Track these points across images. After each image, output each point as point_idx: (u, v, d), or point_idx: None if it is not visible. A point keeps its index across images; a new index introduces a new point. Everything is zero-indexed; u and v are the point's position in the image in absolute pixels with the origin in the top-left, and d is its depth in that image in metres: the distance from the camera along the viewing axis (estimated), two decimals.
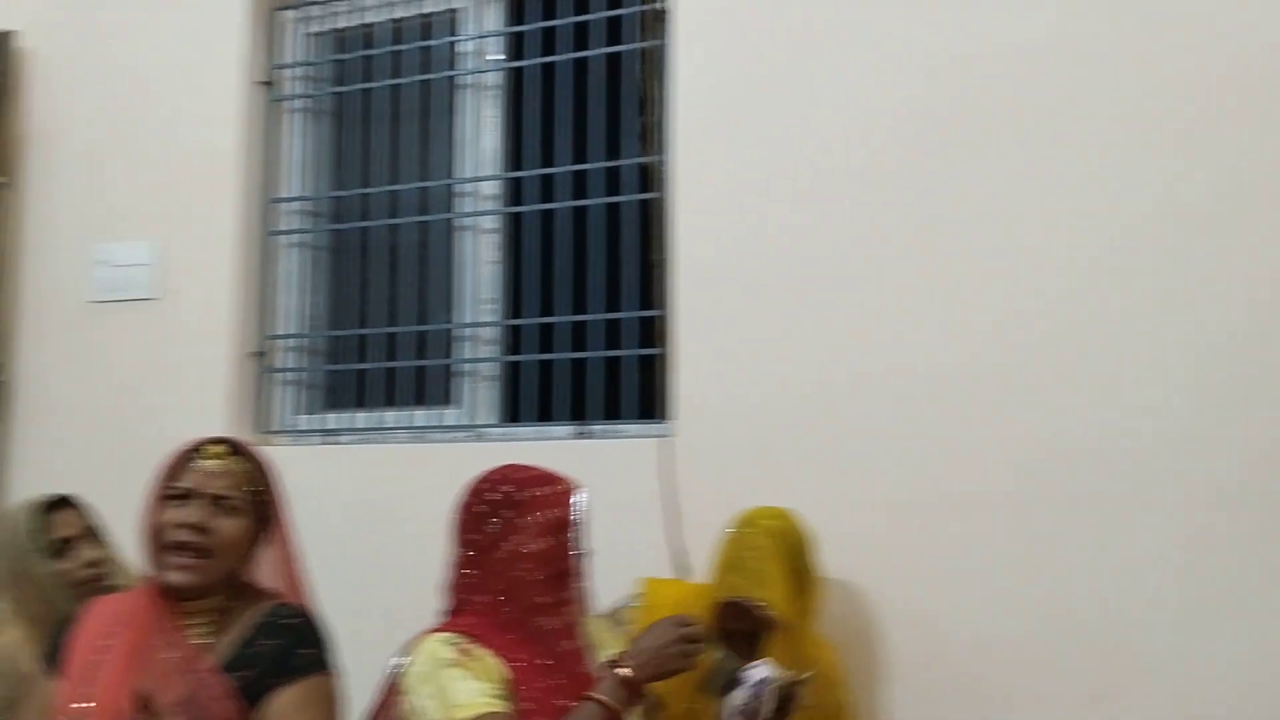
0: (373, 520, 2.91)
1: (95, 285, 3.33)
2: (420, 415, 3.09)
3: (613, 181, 2.97)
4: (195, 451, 1.83)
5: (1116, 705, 2.31)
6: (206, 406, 3.15)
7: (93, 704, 1.69)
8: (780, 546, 2.24)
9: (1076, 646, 2.35)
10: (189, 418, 3.15)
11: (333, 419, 3.19)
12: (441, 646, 1.75)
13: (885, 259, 2.60)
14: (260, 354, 3.24)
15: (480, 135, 3.13)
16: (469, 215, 3.12)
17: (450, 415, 3.08)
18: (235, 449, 1.85)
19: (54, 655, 1.82)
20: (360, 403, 3.17)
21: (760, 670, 1.54)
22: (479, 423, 3.05)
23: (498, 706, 1.68)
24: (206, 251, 3.23)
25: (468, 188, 3.14)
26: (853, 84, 2.65)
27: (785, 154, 2.70)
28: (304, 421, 3.22)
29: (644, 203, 2.91)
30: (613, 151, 2.97)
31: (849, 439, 2.57)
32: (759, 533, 2.26)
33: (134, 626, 1.76)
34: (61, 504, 2.22)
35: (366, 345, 3.18)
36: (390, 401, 3.14)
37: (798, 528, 2.30)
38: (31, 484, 3.32)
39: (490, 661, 1.73)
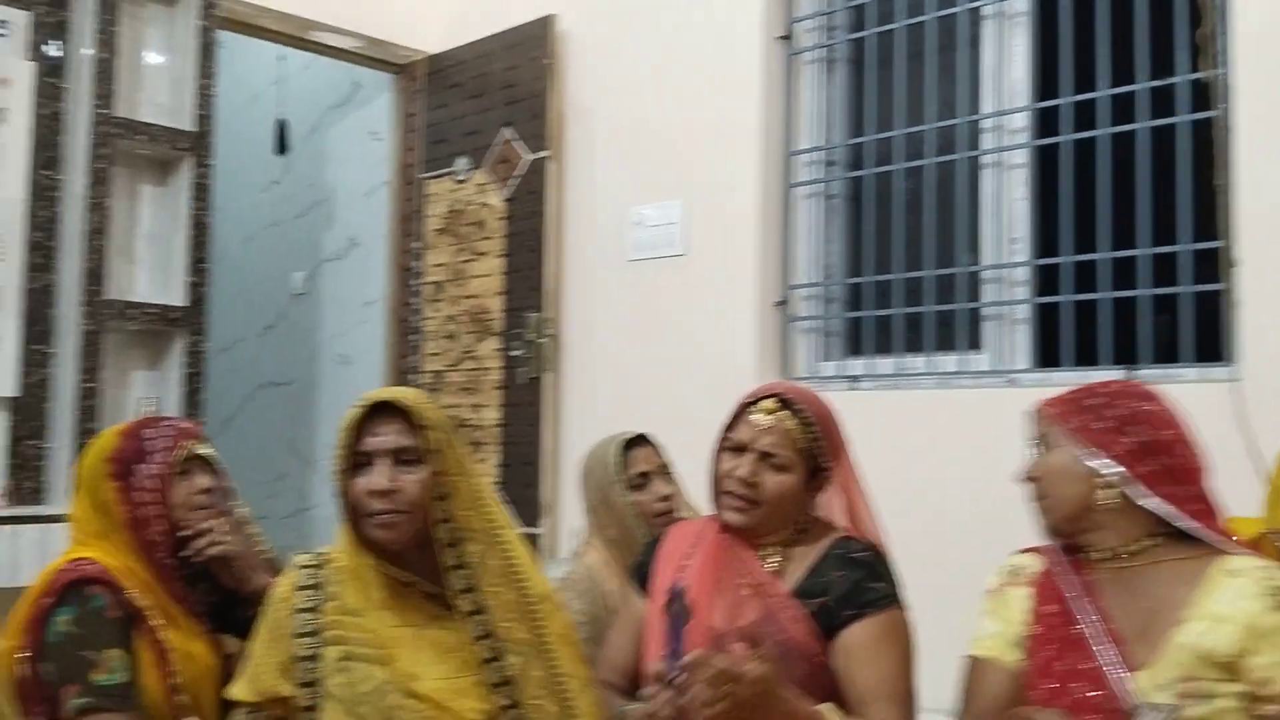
0: (900, 465, 2.90)
1: (631, 245, 3.61)
2: (947, 360, 3.03)
3: (1161, 102, 2.71)
4: (751, 405, 1.90)
5: None
6: (734, 355, 3.31)
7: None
8: None
9: None
10: (718, 366, 3.34)
11: (856, 365, 3.22)
12: (1000, 570, 1.71)
13: None
14: (783, 303, 3.33)
15: (1007, 66, 2.99)
16: (996, 151, 3.00)
17: (979, 360, 2.99)
18: (786, 403, 1.87)
19: (641, 576, 1.99)
20: (883, 349, 3.16)
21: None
22: (1010, 368, 2.93)
23: (1002, 656, 1.62)
24: (729, 207, 3.38)
25: (993, 123, 3.02)
26: None
27: None
28: (827, 368, 3.28)
29: (1199, 123, 2.63)
30: (1161, 69, 2.71)
31: None
32: None
33: (709, 551, 1.88)
34: (640, 441, 2.40)
35: (889, 291, 3.16)
36: (914, 347, 3.10)
37: None
38: (580, 426, 3.70)
39: (1016, 606, 1.64)
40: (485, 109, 4.00)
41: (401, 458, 1.64)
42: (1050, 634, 1.59)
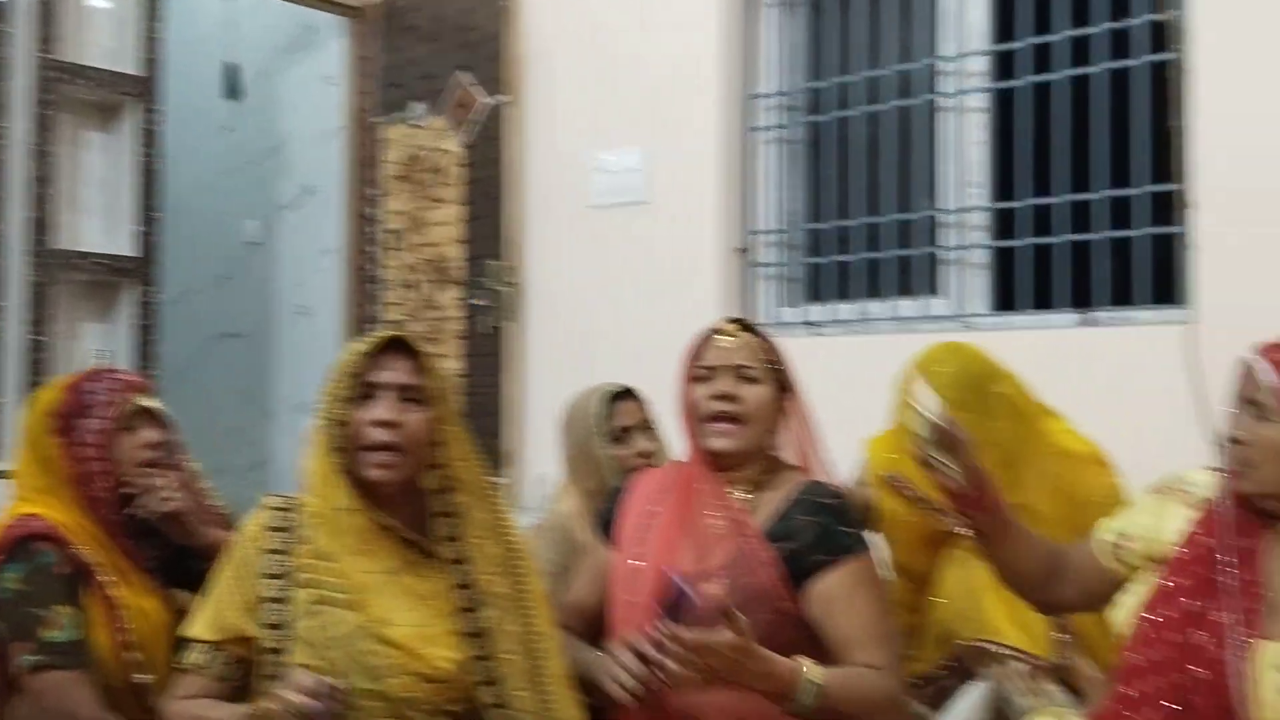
0: (860, 410, 2.90)
1: (593, 191, 3.56)
2: (906, 305, 3.04)
3: (1118, 45, 2.70)
4: (714, 332, 1.92)
5: None
6: (695, 301, 3.29)
7: (643, 564, 1.82)
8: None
9: None
10: (678, 312, 3.31)
11: (816, 311, 3.22)
12: (1173, 476, 1.67)
13: None
14: (744, 249, 3.32)
15: (965, 8, 2.96)
16: (953, 95, 2.98)
17: (937, 305, 3.00)
18: (746, 326, 1.93)
19: (605, 523, 1.98)
20: (844, 294, 3.16)
21: None
22: (968, 312, 2.94)
23: (1112, 549, 1.64)
24: (691, 152, 3.35)
25: (951, 67, 2.99)
26: None
27: None
28: (788, 314, 3.27)
29: (1156, 66, 2.62)
30: (1119, 11, 2.69)
31: None
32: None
33: (679, 493, 1.87)
34: (626, 395, 2.36)
35: (849, 236, 3.15)
36: (874, 292, 3.10)
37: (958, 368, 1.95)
38: (543, 375, 3.68)
39: (1172, 524, 1.58)
40: (441, 52, 3.92)
41: (406, 396, 1.64)
42: (1191, 565, 1.51)
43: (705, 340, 1.92)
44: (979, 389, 1.95)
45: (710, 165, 3.31)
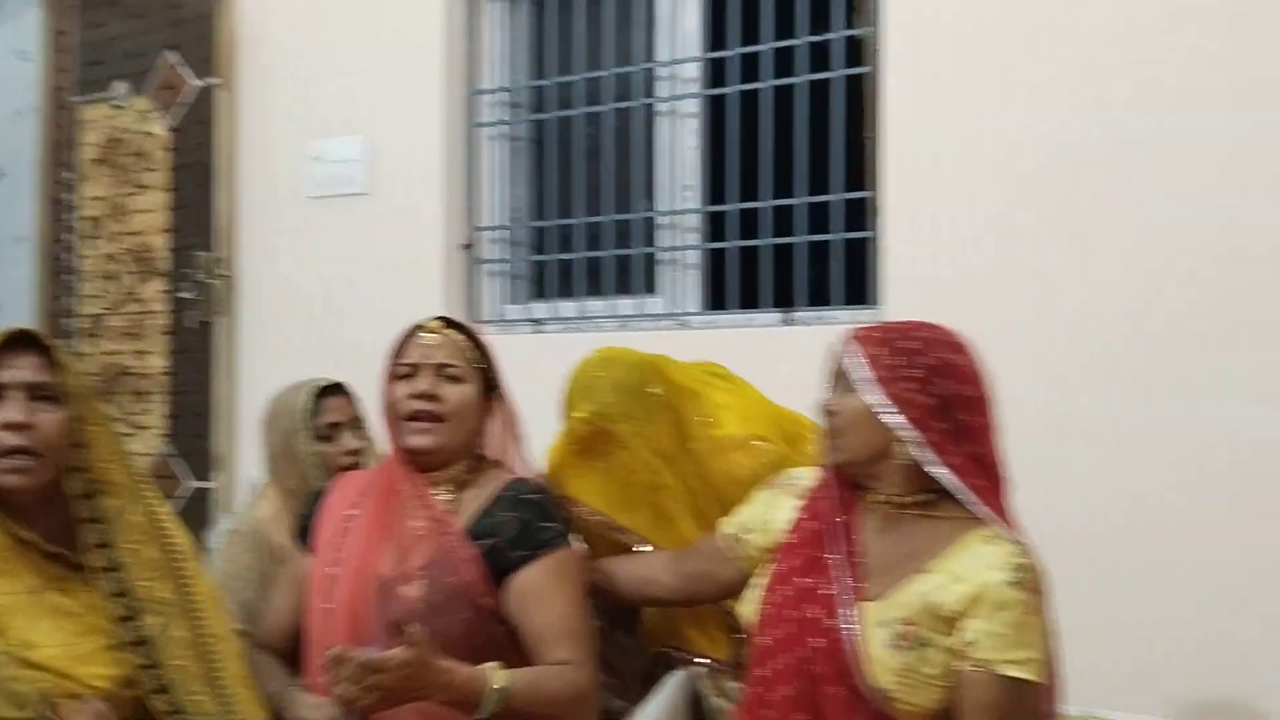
0: None
1: (310, 181, 3.44)
2: (624, 304, 3.09)
3: (819, 58, 2.85)
4: (417, 329, 1.89)
5: None
6: (418, 297, 3.23)
7: (341, 570, 1.77)
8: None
9: None
10: (402, 308, 3.22)
11: (540, 308, 3.23)
12: (782, 474, 1.79)
13: (1112, 139, 2.42)
14: (469, 245, 3.29)
15: (680, 15, 3.05)
16: (668, 100, 3.06)
17: (654, 303, 3.07)
18: (451, 324, 1.90)
19: (304, 529, 1.91)
20: (566, 292, 3.19)
21: None
22: (682, 311, 3.03)
23: (737, 545, 1.74)
24: (413, 145, 3.29)
25: (667, 72, 3.07)
26: None
27: (1006, 22, 2.53)
28: (512, 311, 3.27)
29: (853, 79, 2.78)
30: (819, 26, 2.84)
31: (1067, 319, 2.44)
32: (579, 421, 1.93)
33: (380, 495, 1.83)
34: (335, 390, 2.26)
35: (571, 235, 3.18)
36: (595, 291, 3.14)
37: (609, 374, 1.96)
38: (256, 374, 3.52)
39: (782, 515, 1.69)
40: (147, 30, 3.69)
41: (37, 395, 1.50)
42: (800, 547, 1.62)
43: (408, 337, 1.88)
44: (636, 397, 1.95)
45: (434, 159, 3.26)
